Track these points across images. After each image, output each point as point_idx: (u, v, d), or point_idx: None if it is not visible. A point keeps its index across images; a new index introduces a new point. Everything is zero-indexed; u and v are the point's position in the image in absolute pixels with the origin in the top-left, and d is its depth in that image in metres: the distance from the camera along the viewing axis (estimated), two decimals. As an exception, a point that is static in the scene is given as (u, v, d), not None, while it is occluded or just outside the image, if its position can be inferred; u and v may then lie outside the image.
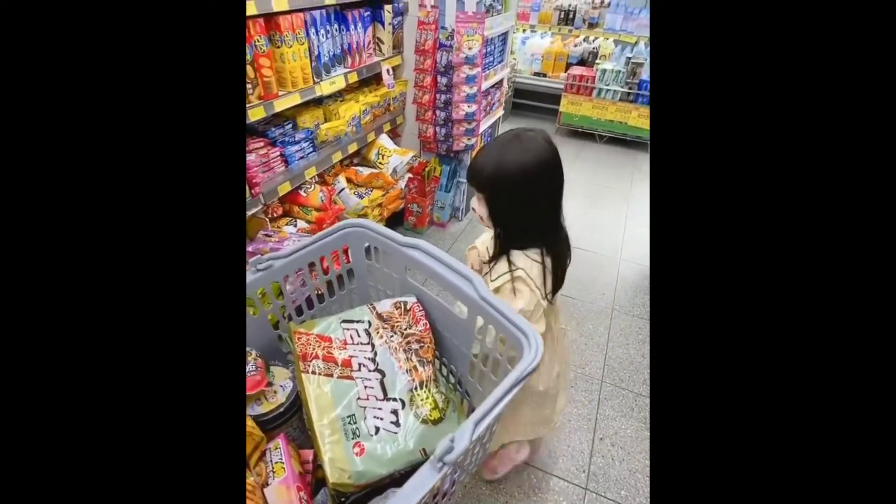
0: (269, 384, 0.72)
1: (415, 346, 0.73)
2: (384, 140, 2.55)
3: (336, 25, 2.00)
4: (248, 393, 0.69)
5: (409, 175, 2.64)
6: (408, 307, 0.78)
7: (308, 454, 0.71)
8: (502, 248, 0.92)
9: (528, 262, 0.89)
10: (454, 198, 2.78)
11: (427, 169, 2.61)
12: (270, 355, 0.79)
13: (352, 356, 0.71)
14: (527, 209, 0.87)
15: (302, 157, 2.06)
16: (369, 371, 0.70)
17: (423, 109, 2.50)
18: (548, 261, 0.91)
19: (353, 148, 2.29)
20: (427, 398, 0.68)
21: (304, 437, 0.75)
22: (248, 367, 0.71)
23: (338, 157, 2.19)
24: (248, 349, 0.73)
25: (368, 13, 2.19)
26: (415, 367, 0.71)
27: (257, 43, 1.65)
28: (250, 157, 1.83)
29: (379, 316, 0.76)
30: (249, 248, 1.87)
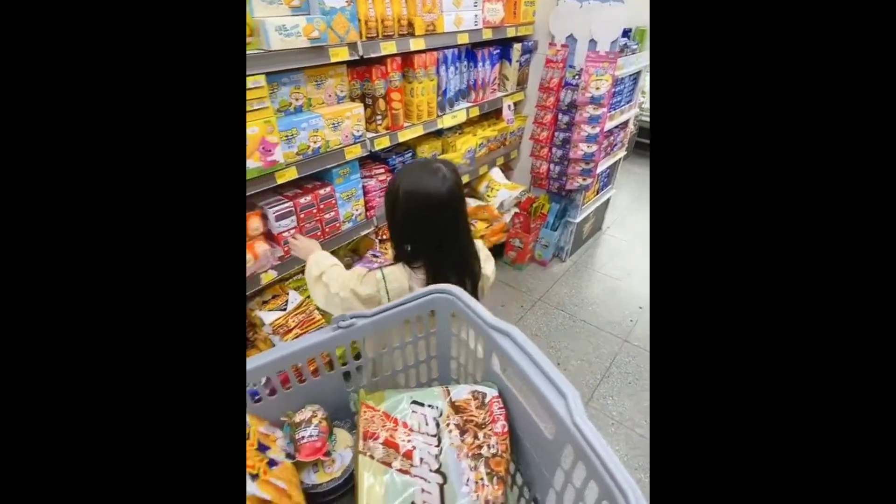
0: (328, 454, 0.66)
1: (485, 452, 0.61)
2: (495, 173, 2.47)
3: (465, 63, 1.97)
4: (304, 459, 0.64)
5: (516, 210, 2.51)
6: (486, 400, 0.65)
7: (355, 540, 0.62)
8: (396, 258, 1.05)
9: (398, 274, 1.01)
10: (560, 237, 2.57)
11: (535, 205, 2.46)
12: (337, 413, 0.73)
13: (415, 447, 0.60)
14: (422, 233, 0.98)
15: (415, 186, 2.07)
16: (430, 471, 0.59)
17: (539, 146, 2.36)
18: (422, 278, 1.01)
19: (464, 179, 2.25)
20: (490, 525, 0.55)
21: (354, 515, 0.68)
22: (310, 430, 0.65)
23: (448, 187, 2.16)
24: (316, 408, 0.68)
25: (498, 51, 2.13)
26: (482, 479, 0.59)
27: (392, 78, 1.69)
28: (370, 182, 1.89)
29: (452, 405, 0.65)
30: (357, 266, 1.92)
